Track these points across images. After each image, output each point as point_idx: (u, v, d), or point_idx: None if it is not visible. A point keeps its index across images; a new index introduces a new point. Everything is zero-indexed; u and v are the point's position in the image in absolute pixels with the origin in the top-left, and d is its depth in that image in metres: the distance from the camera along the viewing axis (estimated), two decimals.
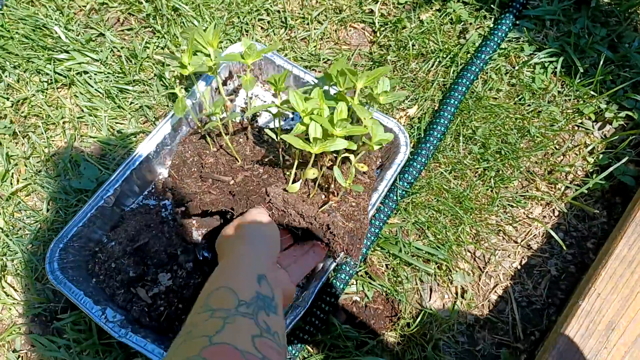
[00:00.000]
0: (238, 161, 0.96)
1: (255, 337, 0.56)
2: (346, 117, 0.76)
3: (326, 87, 0.91)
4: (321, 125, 0.76)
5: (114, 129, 1.17)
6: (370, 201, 0.93)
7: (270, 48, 0.89)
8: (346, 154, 0.85)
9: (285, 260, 0.84)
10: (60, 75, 1.22)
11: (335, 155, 0.86)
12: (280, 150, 0.94)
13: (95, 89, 1.21)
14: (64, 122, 1.19)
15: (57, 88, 1.23)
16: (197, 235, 0.98)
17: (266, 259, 0.73)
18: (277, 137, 0.88)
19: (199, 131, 1.02)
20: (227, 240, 0.79)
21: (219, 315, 0.58)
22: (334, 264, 0.95)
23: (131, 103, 1.20)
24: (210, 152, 0.98)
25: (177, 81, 1.19)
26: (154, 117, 1.18)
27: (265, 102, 1.16)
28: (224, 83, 1.12)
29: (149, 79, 1.22)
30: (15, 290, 1.06)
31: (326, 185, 0.90)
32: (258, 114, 1.11)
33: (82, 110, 1.20)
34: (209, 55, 0.87)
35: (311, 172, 0.83)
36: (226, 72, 1.12)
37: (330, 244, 0.84)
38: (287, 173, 0.91)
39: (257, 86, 1.17)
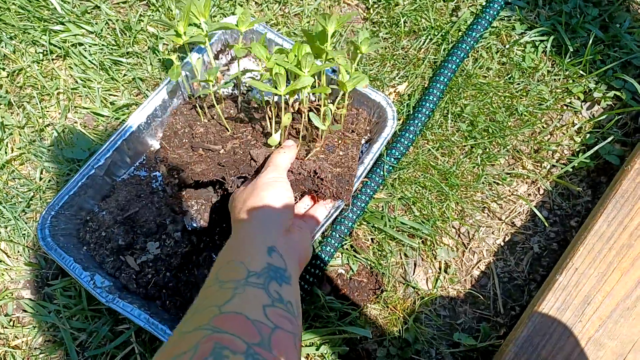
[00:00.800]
0: (228, 130, 0.97)
1: (267, 307, 0.56)
2: (309, 53, 0.77)
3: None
4: (285, 68, 0.78)
5: (107, 101, 1.19)
6: (357, 154, 0.94)
7: (262, 19, 0.90)
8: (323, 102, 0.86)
9: (298, 213, 0.86)
10: (56, 46, 1.24)
11: (312, 101, 0.88)
12: (267, 115, 0.96)
13: (90, 61, 1.22)
14: (58, 93, 1.21)
15: (52, 59, 1.24)
16: (186, 205, 1.00)
17: (278, 227, 0.70)
18: (262, 103, 0.90)
19: (190, 102, 1.03)
20: (240, 204, 0.76)
21: (229, 286, 0.58)
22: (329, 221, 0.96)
23: (124, 75, 1.21)
24: (201, 123, 1.00)
25: (172, 52, 1.21)
26: (147, 89, 1.19)
27: (256, 77, 1.17)
28: (216, 57, 1.13)
29: (143, 52, 1.23)
30: (7, 256, 1.08)
31: (311, 138, 0.91)
32: (250, 86, 1.13)
33: (77, 82, 1.21)
34: (200, 26, 0.89)
35: (286, 118, 0.84)
36: (219, 46, 1.13)
37: (319, 189, 0.84)
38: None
39: (249, 60, 1.18)
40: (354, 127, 0.99)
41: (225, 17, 1.24)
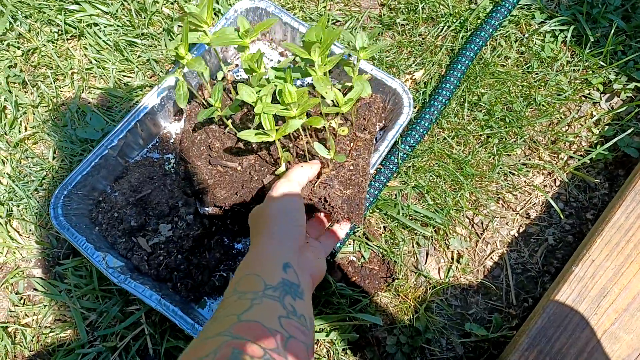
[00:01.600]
0: (243, 146, 0.97)
1: (282, 317, 0.58)
2: (295, 98, 0.75)
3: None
4: (273, 114, 0.77)
5: (121, 82, 1.18)
6: (370, 159, 0.93)
7: (269, 22, 0.88)
8: (328, 121, 0.85)
9: (313, 231, 0.85)
10: (71, 26, 1.23)
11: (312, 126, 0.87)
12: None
13: (104, 41, 1.22)
14: (72, 73, 1.20)
15: (67, 39, 1.23)
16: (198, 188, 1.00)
17: (293, 242, 0.72)
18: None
19: (198, 102, 1.03)
20: (258, 219, 0.78)
21: (247, 297, 0.60)
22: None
23: (139, 56, 1.20)
24: (216, 134, 0.99)
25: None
26: (161, 71, 1.18)
27: (271, 60, 1.16)
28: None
29: (158, 33, 1.22)
30: (20, 234, 1.08)
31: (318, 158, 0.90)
32: None
33: (91, 62, 1.21)
34: (204, 31, 0.87)
35: (284, 157, 0.84)
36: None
37: (332, 214, 0.85)
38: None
39: (263, 44, 1.17)
40: (365, 122, 0.96)
41: None
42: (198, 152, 0.98)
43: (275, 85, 0.80)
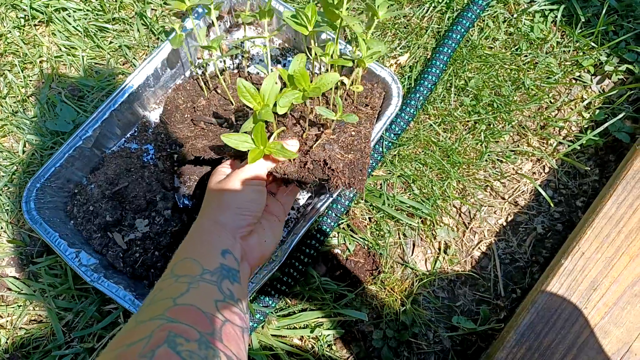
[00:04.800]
0: (232, 104, 0.92)
1: (218, 302, 0.59)
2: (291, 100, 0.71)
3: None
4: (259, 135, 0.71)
5: (92, 70, 1.13)
6: (372, 130, 0.87)
7: None
8: (341, 78, 0.80)
9: (275, 208, 0.83)
10: (38, 11, 1.17)
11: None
12: None
13: (74, 27, 1.16)
14: (41, 61, 1.15)
15: (35, 25, 1.17)
16: (178, 182, 0.96)
17: (237, 230, 0.71)
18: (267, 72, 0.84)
19: (193, 77, 0.98)
20: (212, 198, 0.75)
21: (184, 280, 0.60)
22: (323, 206, 0.92)
23: (110, 43, 1.15)
24: (204, 96, 0.94)
25: (173, 18, 1.13)
26: (134, 57, 1.13)
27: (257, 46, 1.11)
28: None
29: (130, 17, 1.17)
30: None
31: (321, 122, 0.84)
32: (253, 56, 1.07)
33: (60, 49, 1.15)
34: None
35: (277, 132, 0.77)
36: (225, 8, 1.06)
37: (330, 179, 0.79)
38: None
39: (253, 30, 1.12)
40: (367, 100, 0.92)
41: None
42: (181, 117, 0.94)
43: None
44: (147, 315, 0.54)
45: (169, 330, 0.51)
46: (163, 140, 1.01)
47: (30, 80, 1.13)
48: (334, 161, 0.77)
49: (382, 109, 0.97)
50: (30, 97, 1.11)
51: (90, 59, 1.14)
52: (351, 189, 0.80)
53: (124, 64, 1.14)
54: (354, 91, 0.88)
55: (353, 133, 0.83)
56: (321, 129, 0.82)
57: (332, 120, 0.80)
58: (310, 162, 0.78)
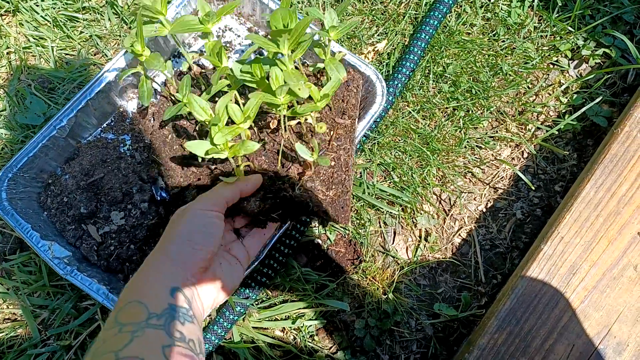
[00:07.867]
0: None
1: (166, 347, 0.56)
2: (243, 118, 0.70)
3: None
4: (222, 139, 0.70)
5: (62, 61, 1.10)
6: (353, 148, 0.85)
7: (232, 5, 0.81)
8: (305, 116, 0.78)
9: (238, 250, 0.79)
10: (4, 0, 1.13)
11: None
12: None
13: (42, 17, 1.12)
14: (9, 53, 1.11)
15: (1, 15, 1.14)
16: (155, 174, 0.94)
17: (189, 265, 0.67)
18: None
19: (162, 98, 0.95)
20: (170, 229, 0.71)
21: (128, 329, 0.57)
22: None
23: (81, 32, 1.12)
24: (188, 131, 0.91)
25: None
26: (106, 47, 1.10)
27: (239, 36, 1.07)
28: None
29: (101, 7, 1.13)
30: None
31: (294, 156, 0.82)
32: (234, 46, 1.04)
33: (29, 40, 1.11)
34: (161, 22, 0.80)
35: (239, 170, 0.77)
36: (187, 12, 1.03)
37: (313, 217, 0.78)
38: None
39: (231, 18, 1.09)
40: (345, 105, 0.88)
41: None
42: (171, 151, 0.91)
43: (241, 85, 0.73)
44: None
45: None
46: (140, 163, 0.99)
47: None
48: (315, 204, 0.77)
49: (365, 108, 0.95)
50: None
51: (61, 49, 1.10)
52: (336, 223, 0.79)
53: (95, 54, 1.11)
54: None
55: (333, 163, 0.81)
56: (299, 167, 0.81)
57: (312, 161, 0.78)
58: (293, 202, 0.77)
